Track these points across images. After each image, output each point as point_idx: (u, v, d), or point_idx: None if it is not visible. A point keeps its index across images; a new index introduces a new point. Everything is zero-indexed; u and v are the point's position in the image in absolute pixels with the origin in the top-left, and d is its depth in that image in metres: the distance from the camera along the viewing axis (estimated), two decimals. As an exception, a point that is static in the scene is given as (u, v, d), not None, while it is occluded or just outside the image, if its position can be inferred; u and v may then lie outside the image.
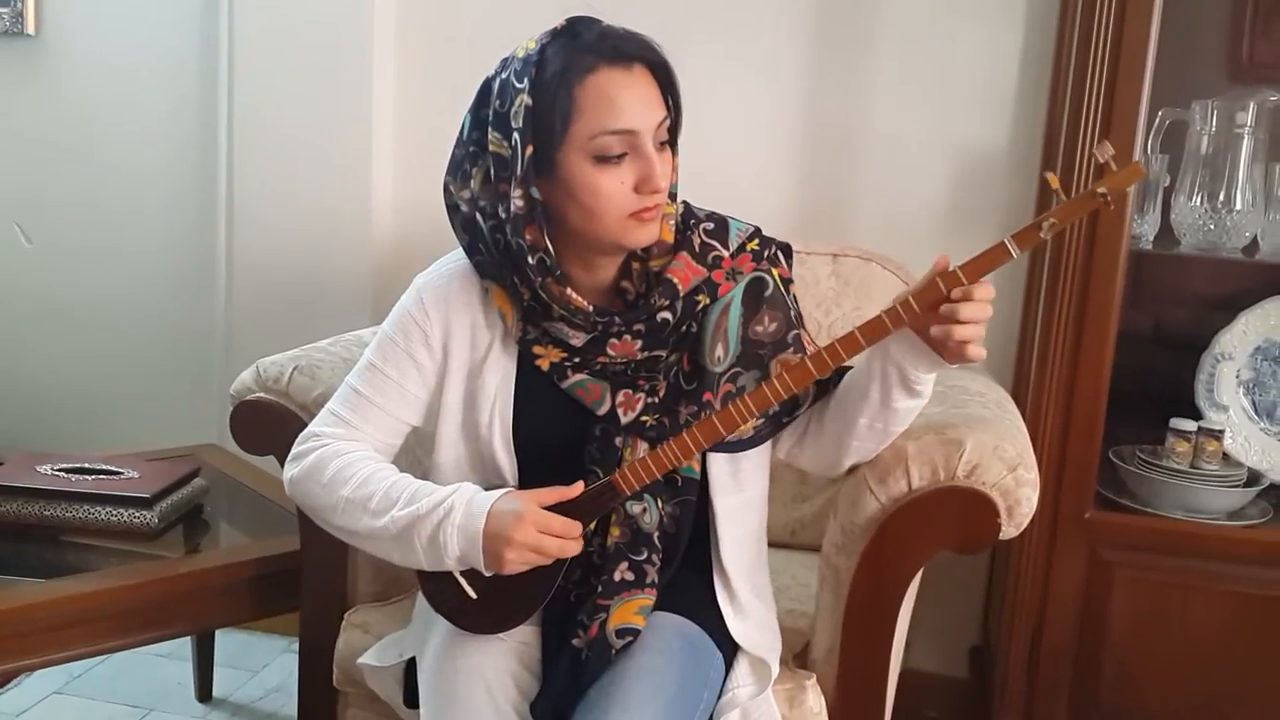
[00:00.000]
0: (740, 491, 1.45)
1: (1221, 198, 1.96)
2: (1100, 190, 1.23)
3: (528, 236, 1.32)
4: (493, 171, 1.33)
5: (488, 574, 1.33)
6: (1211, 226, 1.97)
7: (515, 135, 1.29)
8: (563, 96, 1.27)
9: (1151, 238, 2.03)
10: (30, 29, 2.64)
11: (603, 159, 1.28)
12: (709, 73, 2.26)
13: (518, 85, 1.29)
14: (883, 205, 2.26)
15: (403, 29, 2.43)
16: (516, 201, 1.31)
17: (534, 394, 1.41)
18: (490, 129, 1.32)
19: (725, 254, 1.40)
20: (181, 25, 2.56)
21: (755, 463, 1.46)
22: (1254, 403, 2.04)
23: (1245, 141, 1.95)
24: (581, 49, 1.28)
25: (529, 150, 1.28)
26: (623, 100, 1.27)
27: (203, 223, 2.59)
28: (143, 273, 2.68)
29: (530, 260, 1.33)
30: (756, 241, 1.43)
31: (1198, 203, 1.97)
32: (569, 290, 1.34)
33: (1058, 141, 1.98)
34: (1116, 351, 1.88)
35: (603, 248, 1.35)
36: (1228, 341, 2.03)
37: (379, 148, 2.44)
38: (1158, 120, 1.95)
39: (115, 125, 2.64)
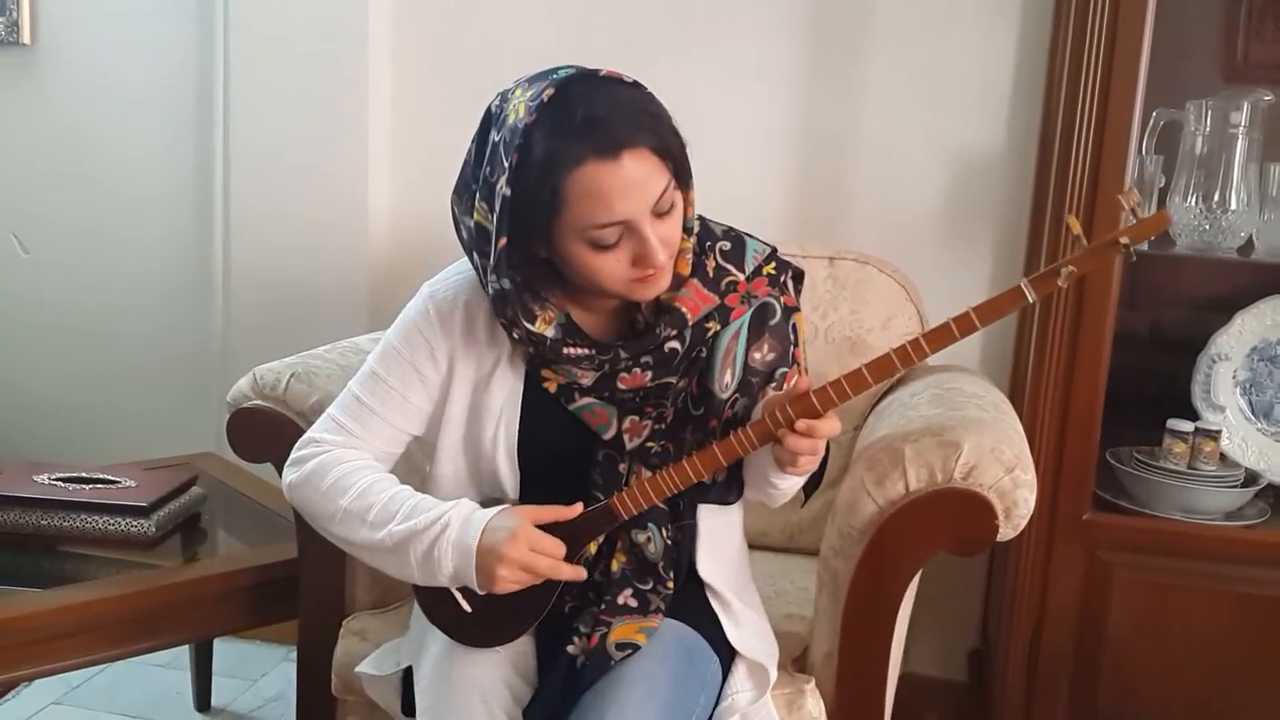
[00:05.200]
0: (724, 513, 1.47)
1: (1216, 198, 1.96)
2: (1123, 241, 1.22)
3: (509, 313, 1.32)
4: (476, 236, 1.32)
5: (481, 592, 1.33)
6: (1207, 227, 1.97)
7: (494, 219, 1.26)
8: (545, 192, 1.22)
9: (1147, 241, 2.02)
10: (26, 38, 2.64)
11: (597, 245, 1.25)
12: (706, 78, 2.27)
13: (504, 161, 1.24)
14: (879, 208, 2.26)
15: (399, 40, 2.43)
16: (493, 285, 1.30)
17: (541, 411, 1.40)
18: (478, 191, 1.30)
19: (740, 278, 1.38)
20: (178, 34, 2.56)
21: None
22: (1250, 403, 2.04)
23: (1240, 141, 1.95)
24: (568, 135, 1.20)
25: (502, 243, 1.26)
26: (612, 194, 1.21)
27: (199, 231, 2.59)
28: (139, 282, 2.68)
29: (513, 335, 1.34)
30: (773, 265, 1.41)
31: (1193, 203, 1.97)
32: (565, 350, 1.34)
33: (1053, 143, 1.98)
34: (1113, 353, 1.88)
35: (608, 299, 1.35)
36: (1224, 342, 2.03)
37: (375, 156, 2.43)
38: (1152, 121, 1.95)
39: (111, 134, 2.64)
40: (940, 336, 1.27)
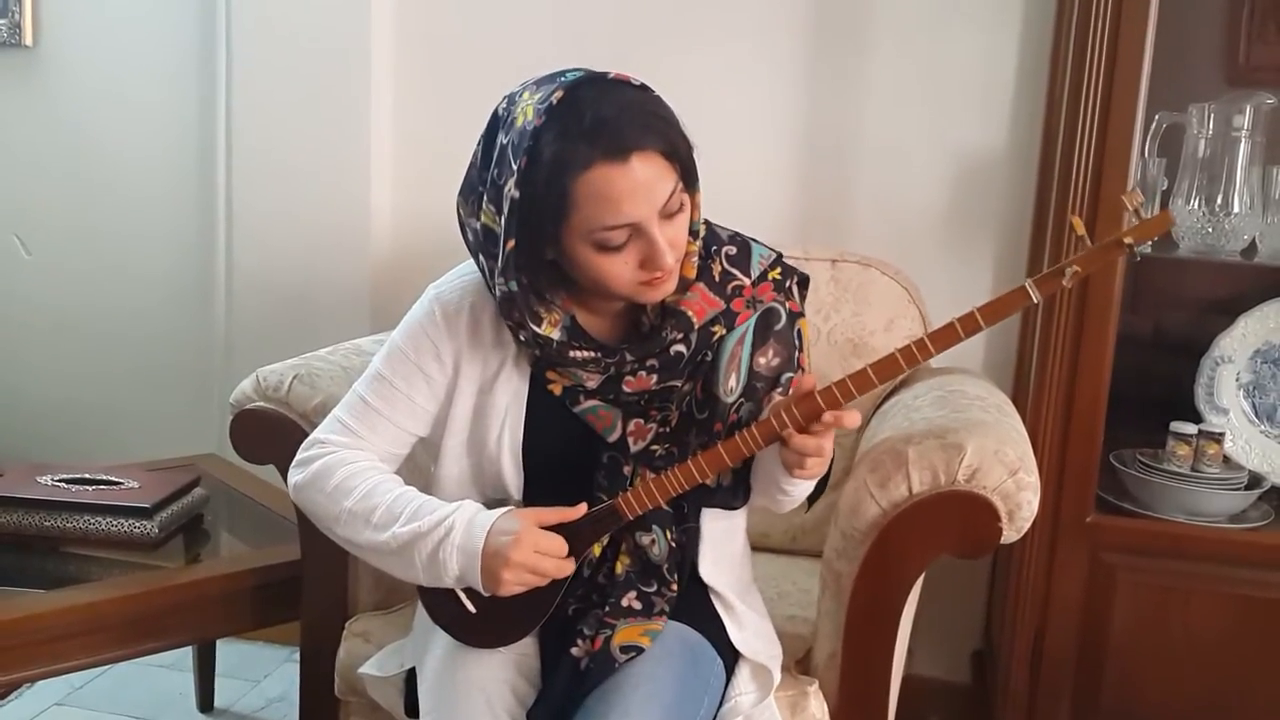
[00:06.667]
0: (727, 517, 1.47)
1: (1219, 201, 1.96)
2: (1127, 240, 1.22)
3: (515, 315, 1.32)
4: (483, 239, 1.32)
5: (486, 594, 1.33)
6: (1210, 230, 1.97)
7: (502, 221, 1.26)
8: (554, 195, 1.21)
9: (1150, 241, 2.02)
10: (28, 40, 2.65)
11: (604, 247, 1.25)
12: (707, 81, 2.27)
13: (513, 164, 1.24)
14: (881, 210, 2.26)
15: (401, 42, 2.43)
16: (500, 287, 1.30)
17: (545, 413, 1.40)
18: (485, 194, 1.29)
19: (746, 282, 1.38)
20: (180, 35, 2.56)
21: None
22: (1254, 405, 2.04)
23: (1242, 145, 1.95)
24: (577, 138, 1.20)
25: (510, 245, 1.26)
26: (620, 196, 1.21)
27: (202, 232, 2.59)
28: (142, 283, 2.68)
29: (520, 337, 1.34)
30: (779, 270, 1.41)
31: (1196, 206, 1.97)
32: (571, 353, 1.33)
33: (1055, 145, 1.98)
34: (1116, 355, 1.88)
35: (614, 301, 1.35)
36: (1227, 345, 2.03)
37: (377, 158, 2.44)
38: (1155, 124, 1.95)
39: (114, 136, 2.64)
40: (945, 336, 1.27)
